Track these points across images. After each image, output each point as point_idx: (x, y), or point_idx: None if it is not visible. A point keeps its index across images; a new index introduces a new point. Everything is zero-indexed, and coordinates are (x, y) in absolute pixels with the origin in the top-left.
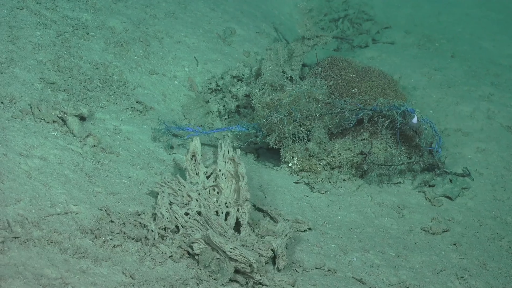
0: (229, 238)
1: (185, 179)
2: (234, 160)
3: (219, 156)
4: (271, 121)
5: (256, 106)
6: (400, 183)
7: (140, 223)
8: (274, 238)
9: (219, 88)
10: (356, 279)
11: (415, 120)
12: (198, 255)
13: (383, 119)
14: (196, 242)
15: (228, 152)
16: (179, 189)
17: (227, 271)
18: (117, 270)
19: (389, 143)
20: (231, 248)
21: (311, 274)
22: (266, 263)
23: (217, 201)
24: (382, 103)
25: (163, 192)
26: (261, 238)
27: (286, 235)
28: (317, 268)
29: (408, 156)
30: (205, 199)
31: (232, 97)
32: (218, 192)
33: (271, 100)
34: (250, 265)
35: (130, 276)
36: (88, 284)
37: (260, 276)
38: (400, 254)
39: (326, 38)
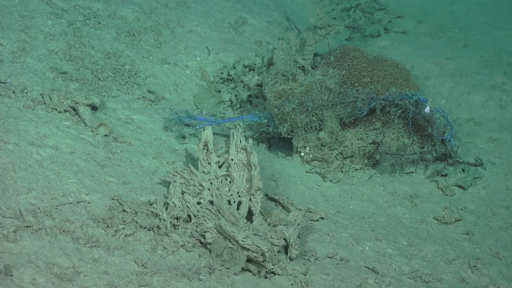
0: (241, 227)
1: (197, 169)
2: (246, 149)
3: (231, 145)
4: (283, 111)
5: (268, 96)
6: (413, 172)
7: (152, 212)
8: (287, 227)
9: (231, 77)
10: (369, 268)
11: (427, 109)
12: (210, 244)
13: (396, 108)
14: (209, 231)
15: (240, 141)
16: (191, 179)
17: (240, 260)
18: (129, 259)
19: (401, 132)
20: (243, 237)
21: (324, 263)
22: (278, 252)
23: (229, 190)
24: (395, 92)
25: (175, 181)
26: (273, 227)
27: (299, 224)
28: (329, 257)
29: (421, 145)
30: (217, 189)
31: (244, 86)
32: (230, 182)
33: (283, 90)
34: (263, 254)
35: (142, 265)
36: (100, 273)
37: (273, 265)
38: (413, 243)
39: (338, 28)
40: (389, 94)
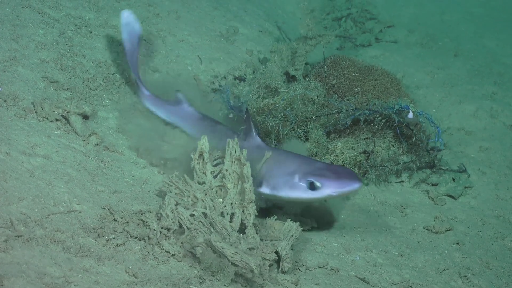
0: (232, 243)
1: (192, 178)
2: (240, 160)
3: (226, 155)
4: (266, 126)
5: (251, 112)
6: (403, 181)
7: (143, 221)
8: (279, 240)
9: (221, 88)
10: (359, 278)
11: (410, 115)
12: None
13: (380, 118)
14: (199, 246)
15: (235, 151)
16: (185, 189)
17: (228, 273)
18: (120, 269)
19: (391, 142)
20: (232, 253)
21: (314, 273)
22: (270, 266)
23: (222, 201)
24: (378, 103)
25: (170, 192)
26: (266, 240)
27: (292, 235)
28: (320, 267)
29: (409, 153)
30: (211, 200)
31: (234, 97)
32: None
33: (265, 105)
34: (252, 271)
35: (133, 275)
36: (91, 283)
37: (263, 280)
38: (403, 253)
39: (328, 37)
40: (373, 104)
